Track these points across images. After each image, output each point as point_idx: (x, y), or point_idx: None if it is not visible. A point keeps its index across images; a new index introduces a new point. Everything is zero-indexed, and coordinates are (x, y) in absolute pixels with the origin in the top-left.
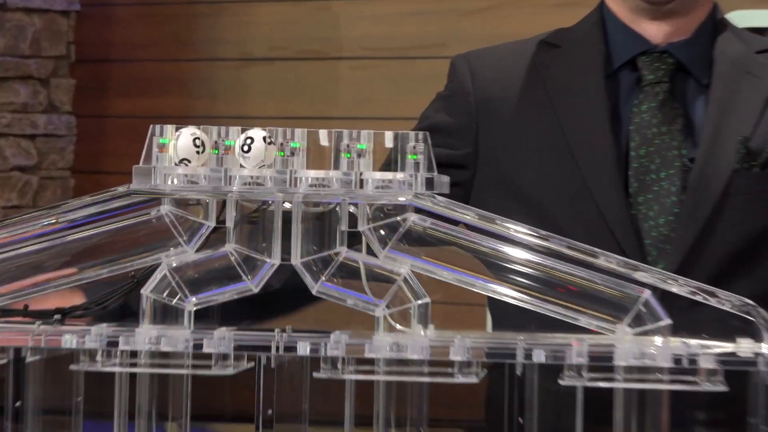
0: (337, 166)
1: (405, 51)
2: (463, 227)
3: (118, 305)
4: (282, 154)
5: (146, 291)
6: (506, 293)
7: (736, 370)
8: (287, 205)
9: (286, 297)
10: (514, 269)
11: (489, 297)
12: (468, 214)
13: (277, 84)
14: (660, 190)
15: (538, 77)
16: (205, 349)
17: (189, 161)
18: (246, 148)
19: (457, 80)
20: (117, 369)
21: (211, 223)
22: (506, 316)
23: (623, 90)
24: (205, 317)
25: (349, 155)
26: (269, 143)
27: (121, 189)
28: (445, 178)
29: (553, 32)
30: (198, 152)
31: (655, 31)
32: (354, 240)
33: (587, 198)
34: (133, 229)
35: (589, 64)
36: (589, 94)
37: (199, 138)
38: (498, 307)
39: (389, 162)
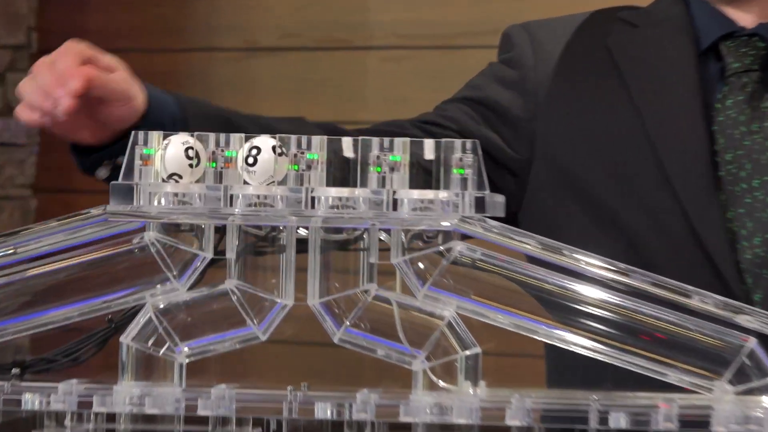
0: (364, 183)
1: (449, 39)
2: (525, 259)
3: None
4: (296, 167)
5: (126, 339)
6: (576, 342)
7: None
8: (302, 231)
9: None
10: (586, 312)
11: (546, 345)
12: (528, 243)
13: (289, 80)
14: (753, 202)
15: (610, 60)
16: (200, 412)
17: (180, 177)
18: (251, 160)
19: (515, 52)
20: None
21: (208, 254)
22: (569, 369)
23: (707, 81)
24: None
25: (379, 169)
26: (280, 154)
27: (94, 211)
28: (500, 198)
29: (625, 9)
30: (191, 165)
31: (741, 11)
32: (386, 275)
33: (673, 206)
34: (109, 262)
35: (675, 48)
36: (676, 83)
37: (192, 148)
38: (559, 358)
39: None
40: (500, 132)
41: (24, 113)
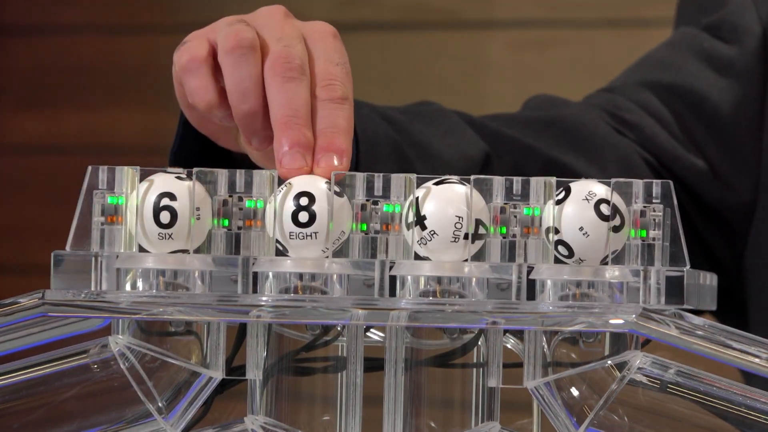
0: (481, 255)
1: (613, 10)
2: (744, 380)
3: None
4: (364, 227)
5: None
6: None
7: None
8: (375, 335)
9: None
10: None
11: None
12: (758, 355)
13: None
14: None
15: None
16: None
17: (169, 236)
18: (304, 217)
19: (729, 10)
20: None
21: (216, 374)
22: None
23: None
24: None
25: (504, 229)
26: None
27: (26, 301)
28: (712, 279)
29: None
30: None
31: None
32: (516, 407)
33: None
34: (49, 389)
35: None
36: None
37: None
38: None
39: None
40: (715, 159)
41: (297, 160)
